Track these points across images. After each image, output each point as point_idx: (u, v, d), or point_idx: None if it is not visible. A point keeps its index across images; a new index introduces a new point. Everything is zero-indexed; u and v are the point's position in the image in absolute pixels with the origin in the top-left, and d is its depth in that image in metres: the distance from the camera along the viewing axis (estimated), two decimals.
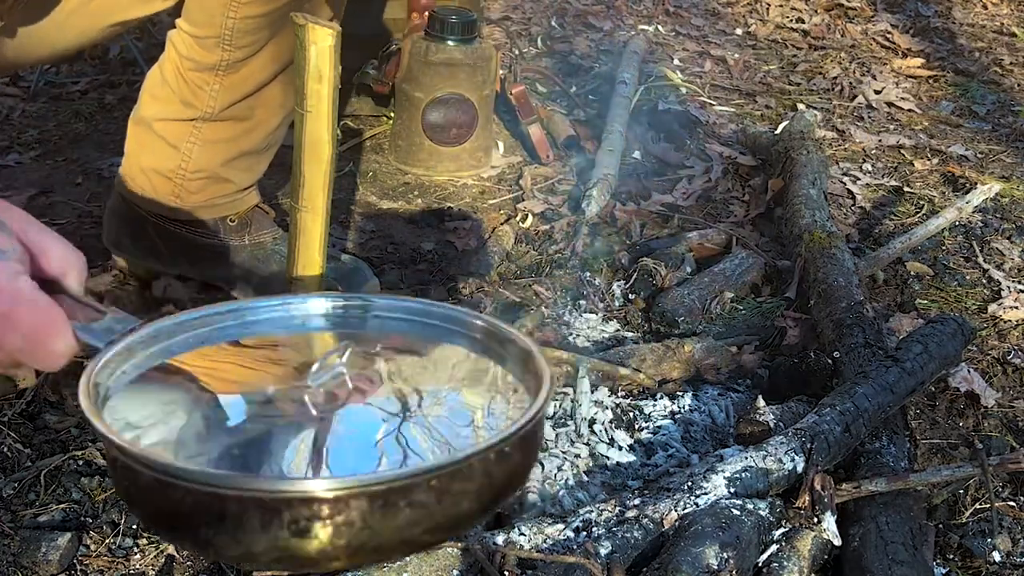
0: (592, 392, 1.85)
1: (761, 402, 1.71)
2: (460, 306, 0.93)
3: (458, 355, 0.92)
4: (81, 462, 1.65)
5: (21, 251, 0.79)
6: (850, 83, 3.68)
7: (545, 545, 1.42)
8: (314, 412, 0.82)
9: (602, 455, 1.71)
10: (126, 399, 0.82)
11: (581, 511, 1.48)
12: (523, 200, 2.62)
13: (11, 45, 1.68)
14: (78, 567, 1.48)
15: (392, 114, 2.82)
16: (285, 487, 0.69)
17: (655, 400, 1.86)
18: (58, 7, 1.66)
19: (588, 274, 2.30)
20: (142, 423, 0.81)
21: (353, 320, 0.94)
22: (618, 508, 1.47)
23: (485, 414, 0.86)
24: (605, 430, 1.77)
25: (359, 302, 0.95)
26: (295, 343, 0.96)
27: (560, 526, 1.44)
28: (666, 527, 1.44)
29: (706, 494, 1.48)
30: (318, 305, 0.94)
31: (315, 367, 0.83)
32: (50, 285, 0.81)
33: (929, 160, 3.08)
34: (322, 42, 1.41)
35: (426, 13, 2.68)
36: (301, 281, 1.62)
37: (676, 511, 1.45)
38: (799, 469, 1.55)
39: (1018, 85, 3.84)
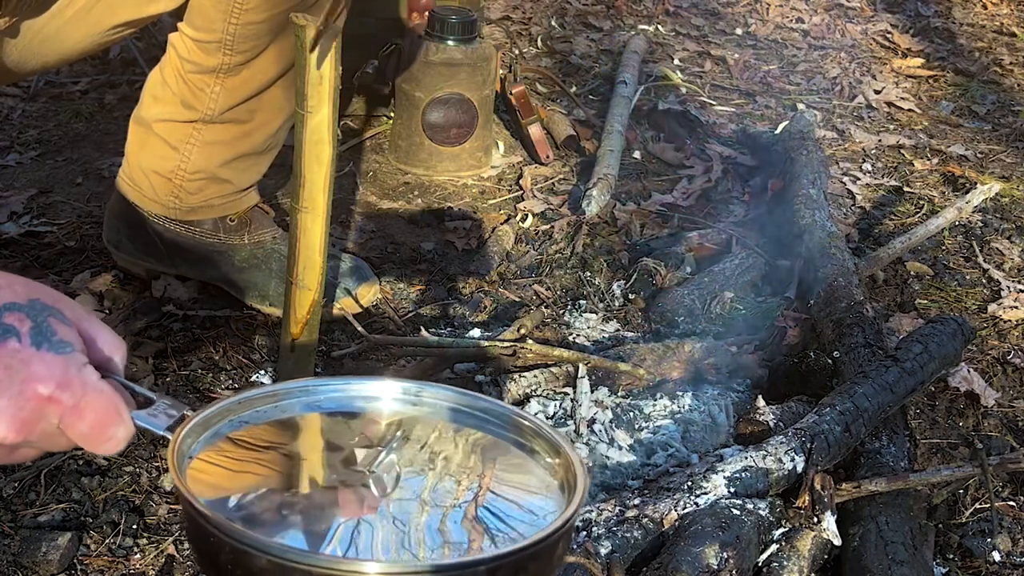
0: (592, 392, 1.85)
1: (761, 402, 1.71)
2: (506, 404, 1.02)
3: (500, 447, 1.01)
4: (81, 462, 1.65)
5: (80, 341, 0.82)
6: (850, 83, 3.68)
7: None
8: (375, 493, 0.91)
9: (602, 455, 1.71)
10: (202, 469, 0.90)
11: (581, 511, 1.48)
12: (523, 200, 2.62)
13: (18, 49, 1.68)
14: (78, 567, 1.48)
15: (392, 114, 2.82)
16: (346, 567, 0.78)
17: (655, 400, 1.86)
18: (64, 6, 1.66)
19: (588, 274, 2.30)
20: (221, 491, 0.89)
21: (408, 404, 1.03)
22: (618, 508, 1.47)
23: (522, 509, 0.97)
24: (605, 430, 1.77)
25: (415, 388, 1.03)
26: (346, 426, 1.04)
27: None
28: (666, 527, 1.44)
29: (706, 494, 1.48)
30: (367, 388, 1.03)
31: (377, 457, 0.94)
32: (99, 370, 0.84)
33: (929, 160, 3.08)
34: (322, 43, 1.41)
35: (426, 13, 2.68)
36: (301, 281, 1.62)
37: (676, 511, 1.45)
38: (799, 469, 1.55)
39: (1018, 85, 3.84)
